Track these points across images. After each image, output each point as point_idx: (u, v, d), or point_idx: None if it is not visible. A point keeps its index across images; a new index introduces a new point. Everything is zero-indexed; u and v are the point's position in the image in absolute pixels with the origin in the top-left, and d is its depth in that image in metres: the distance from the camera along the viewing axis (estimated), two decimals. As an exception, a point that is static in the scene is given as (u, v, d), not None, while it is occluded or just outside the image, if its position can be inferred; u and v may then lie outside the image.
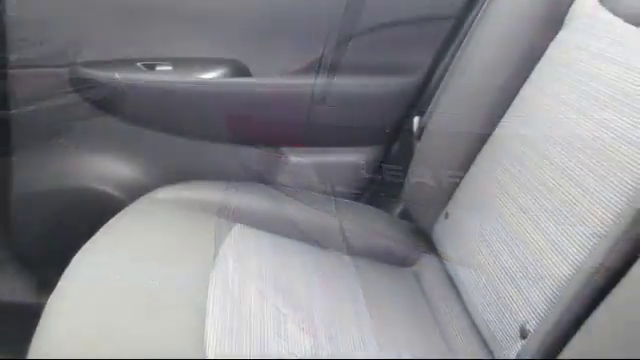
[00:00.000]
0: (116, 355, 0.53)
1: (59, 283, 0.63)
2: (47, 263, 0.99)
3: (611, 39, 0.61)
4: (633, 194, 0.46)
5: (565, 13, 0.71)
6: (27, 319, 1.02)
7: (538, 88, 0.69)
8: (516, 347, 0.54)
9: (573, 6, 0.70)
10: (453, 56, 0.85)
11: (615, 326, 0.43)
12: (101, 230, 0.74)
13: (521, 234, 0.61)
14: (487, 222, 0.68)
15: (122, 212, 0.81)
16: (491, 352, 0.62)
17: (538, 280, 0.55)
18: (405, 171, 0.87)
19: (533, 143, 0.65)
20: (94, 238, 0.71)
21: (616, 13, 0.62)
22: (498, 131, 0.73)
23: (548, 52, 0.70)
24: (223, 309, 0.60)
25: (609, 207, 0.49)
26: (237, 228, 0.78)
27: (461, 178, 0.76)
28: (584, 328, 0.45)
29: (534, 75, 0.70)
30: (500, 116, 0.73)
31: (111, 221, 0.77)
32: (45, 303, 1.02)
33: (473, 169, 0.75)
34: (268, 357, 0.57)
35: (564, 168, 0.58)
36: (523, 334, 0.54)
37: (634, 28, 0.58)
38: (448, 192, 0.78)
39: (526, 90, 0.71)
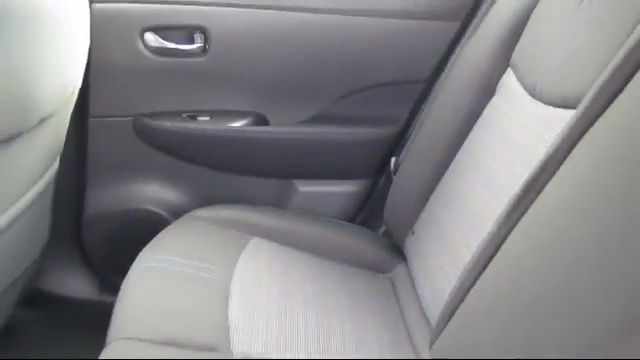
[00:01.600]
0: (170, 319, 0.76)
1: (129, 272, 0.85)
2: (109, 267, 1.22)
3: (522, 109, 0.82)
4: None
5: (497, 82, 0.92)
6: (90, 313, 1.26)
7: (475, 140, 0.90)
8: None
9: (502, 78, 0.91)
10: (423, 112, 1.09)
11: (487, 297, 0.62)
12: (155, 238, 0.96)
13: (455, 247, 0.81)
14: (437, 239, 0.89)
15: (170, 226, 1.02)
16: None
17: (457, 273, 0.76)
18: (386, 198, 1.08)
19: (468, 180, 0.87)
20: (151, 244, 0.93)
21: (525, 88, 0.84)
22: (449, 171, 0.93)
23: (484, 113, 0.90)
24: (241, 293, 0.83)
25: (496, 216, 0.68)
26: (254, 240, 0.99)
27: (424, 204, 0.96)
28: (467, 299, 0.64)
29: (474, 130, 0.91)
30: (451, 160, 0.93)
31: (162, 232, 0.99)
32: (105, 300, 1.24)
33: (432, 198, 0.95)
34: (272, 326, 0.79)
35: (481, 196, 0.81)
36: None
37: (532, 99, 0.80)
38: (415, 214, 0.97)
39: (469, 141, 0.91)
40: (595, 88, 0.58)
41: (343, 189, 1.20)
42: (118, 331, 0.74)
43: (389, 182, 1.09)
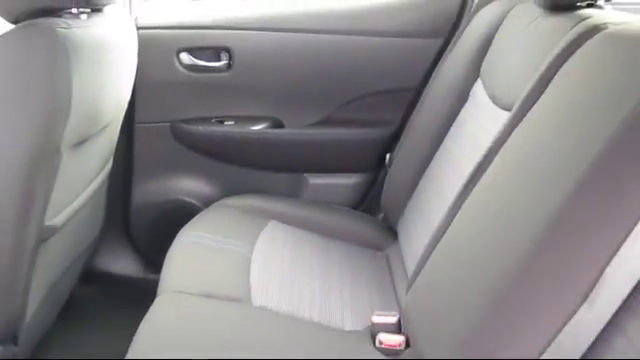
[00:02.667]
0: (206, 278, 0.96)
1: (172, 245, 1.06)
2: (152, 249, 1.43)
3: (484, 112, 1.00)
4: None
5: (470, 91, 1.09)
6: (135, 288, 1.46)
7: (451, 138, 1.08)
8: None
9: (473, 87, 1.08)
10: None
11: (443, 264, 0.76)
12: (191, 221, 1.16)
13: (429, 222, 0.99)
14: (419, 220, 1.07)
15: (201, 213, 1.22)
16: None
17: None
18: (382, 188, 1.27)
19: (443, 170, 1.06)
20: (188, 225, 1.13)
21: (489, 95, 1.01)
22: (432, 164, 1.12)
23: (459, 116, 1.08)
24: (260, 262, 1.03)
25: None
26: (272, 222, 1.18)
27: (413, 191, 1.14)
28: (433, 253, 0.77)
29: (451, 130, 1.09)
30: (434, 154, 1.11)
31: (196, 217, 1.18)
32: (149, 278, 1.43)
33: (419, 186, 1.13)
34: (284, 286, 0.99)
35: (451, 181, 0.99)
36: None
37: (493, 104, 0.98)
38: (405, 201, 1.15)
39: (447, 139, 1.09)
40: (522, 97, 0.78)
41: (347, 181, 1.39)
42: (167, 286, 0.95)
43: (385, 175, 1.27)
